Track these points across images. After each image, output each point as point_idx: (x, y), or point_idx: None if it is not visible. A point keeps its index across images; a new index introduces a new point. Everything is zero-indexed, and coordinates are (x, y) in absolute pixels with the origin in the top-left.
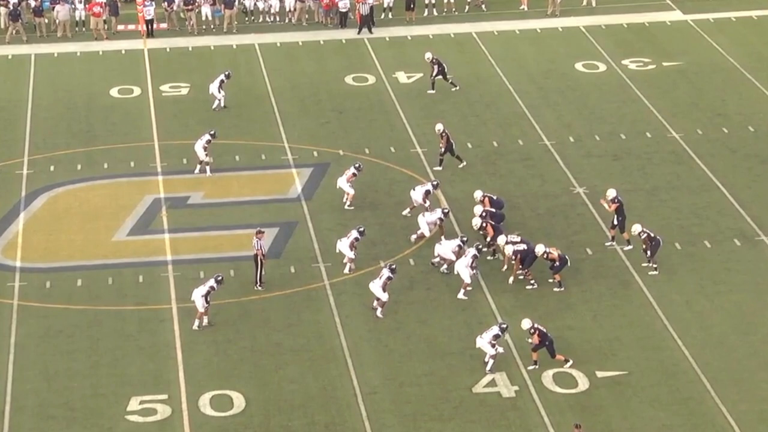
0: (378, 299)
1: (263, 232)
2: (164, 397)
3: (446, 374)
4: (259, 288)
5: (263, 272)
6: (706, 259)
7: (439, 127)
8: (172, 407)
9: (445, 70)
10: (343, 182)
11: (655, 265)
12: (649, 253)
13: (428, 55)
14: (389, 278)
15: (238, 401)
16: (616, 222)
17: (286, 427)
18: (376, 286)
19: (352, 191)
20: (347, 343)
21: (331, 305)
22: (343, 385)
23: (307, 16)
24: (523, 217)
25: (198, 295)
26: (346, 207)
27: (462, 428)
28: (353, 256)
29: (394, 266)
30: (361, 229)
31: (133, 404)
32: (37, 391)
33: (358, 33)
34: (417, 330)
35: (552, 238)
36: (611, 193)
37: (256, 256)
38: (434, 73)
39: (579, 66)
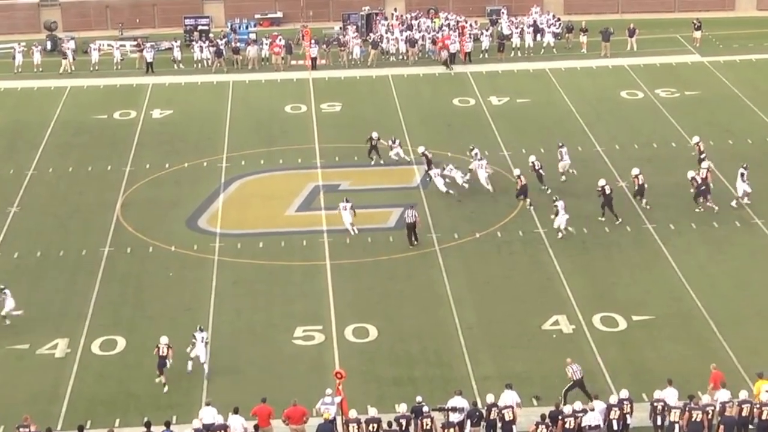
0: None
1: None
2: (320, 327)
3: (523, 315)
4: (415, 243)
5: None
6: (715, 236)
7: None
8: (325, 335)
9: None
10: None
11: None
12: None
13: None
14: None
15: (373, 332)
16: None
17: (406, 351)
18: None
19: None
20: (451, 291)
21: (440, 264)
22: (447, 322)
23: (420, 54)
24: (582, 201)
25: None
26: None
27: (535, 355)
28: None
29: None
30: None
31: (298, 332)
32: (230, 321)
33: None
34: (502, 283)
35: (602, 217)
36: None
37: (412, 224)
38: None
39: (623, 93)
